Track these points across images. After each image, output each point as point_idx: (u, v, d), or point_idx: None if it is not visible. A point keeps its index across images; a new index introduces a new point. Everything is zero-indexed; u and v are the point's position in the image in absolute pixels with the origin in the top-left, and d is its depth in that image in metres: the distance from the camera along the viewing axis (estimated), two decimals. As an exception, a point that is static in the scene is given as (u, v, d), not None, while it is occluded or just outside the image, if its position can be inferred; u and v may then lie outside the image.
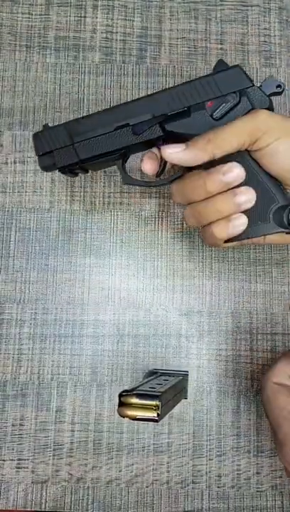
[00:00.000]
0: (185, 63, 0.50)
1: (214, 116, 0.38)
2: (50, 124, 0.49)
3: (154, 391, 0.34)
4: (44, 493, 0.45)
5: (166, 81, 0.50)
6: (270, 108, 0.38)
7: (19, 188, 0.49)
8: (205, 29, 0.51)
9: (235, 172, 0.36)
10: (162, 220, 0.48)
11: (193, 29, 0.51)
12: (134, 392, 0.33)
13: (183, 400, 0.45)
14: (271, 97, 0.38)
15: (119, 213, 0.48)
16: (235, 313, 0.47)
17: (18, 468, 0.45)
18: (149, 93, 0.44)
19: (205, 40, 0.51)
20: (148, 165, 0.41)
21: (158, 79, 0.50)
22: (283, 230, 0.37)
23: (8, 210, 0.48)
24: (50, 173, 0.48)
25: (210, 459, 0.45)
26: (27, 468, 0.45)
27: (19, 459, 0.45)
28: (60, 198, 0.48)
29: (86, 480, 0.45)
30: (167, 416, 0.46)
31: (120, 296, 0.47)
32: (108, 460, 0.45)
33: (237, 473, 0.45)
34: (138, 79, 0.50)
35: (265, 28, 0.51)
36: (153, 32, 0.51)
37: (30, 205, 0.48)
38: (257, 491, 0.45)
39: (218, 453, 0.45)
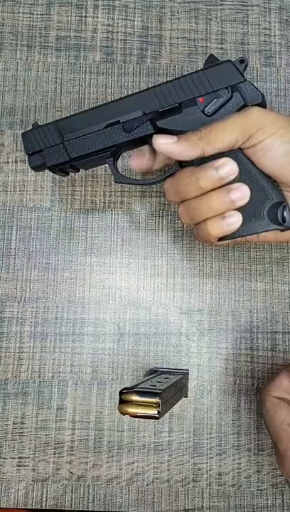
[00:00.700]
0: (185, 63, 0.50)
1: (206, 112, 0.37)
2: (39, 123, 0.48)
3: (155, 389, 0.34)
4: (45, 491, 0.45)
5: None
6: (262, 103, 0.37)
7: (20, 186, 0.49)
8: (206, 29, 0.51)
9: (228, 167, 0.35)
10: (162, 219, 0.48)
11: (194, 29, 0.51)
12: (135, 389, 0.33)
13: (183, 399, 0.45)
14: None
15: (120, 212, 0.48)
16: (235, 311, 0.47)
17: (19, 466, 0.45)
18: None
19: (206, 39, 0.51)
20: (136, 161, 0.41)
21: (158, 78, 0.50)
22: (277, 227, 0.36)
23: (9, 209, 0.48)
24: (50, 172, 0.49)
25: (210, 458, 0.45)
26: (28, 466, 0.45)
27: (20, 457, 0.45)
28: (61, 197, 0.49)
29: (86, 478, 0.45)
30: (167, 414, 0.46)
31: (121, 295, 0.47)
32: (108, 458, 0.45)
33: (238, 472, 0.45)
34: (138, 78, 0.50)
35: (265, 28, 0.51)
36: (153, 32, 0.51)
37: (31, 203, 0.49)
38: (258, 490, 0.45)
39: (219, 451, 0.45)
